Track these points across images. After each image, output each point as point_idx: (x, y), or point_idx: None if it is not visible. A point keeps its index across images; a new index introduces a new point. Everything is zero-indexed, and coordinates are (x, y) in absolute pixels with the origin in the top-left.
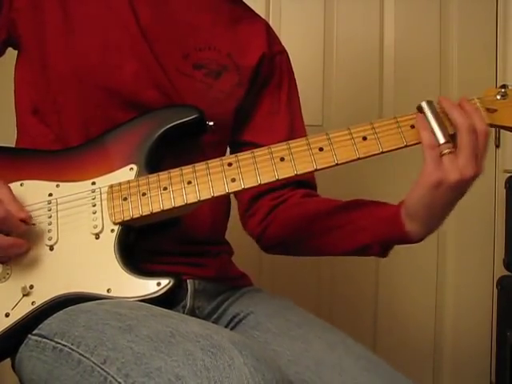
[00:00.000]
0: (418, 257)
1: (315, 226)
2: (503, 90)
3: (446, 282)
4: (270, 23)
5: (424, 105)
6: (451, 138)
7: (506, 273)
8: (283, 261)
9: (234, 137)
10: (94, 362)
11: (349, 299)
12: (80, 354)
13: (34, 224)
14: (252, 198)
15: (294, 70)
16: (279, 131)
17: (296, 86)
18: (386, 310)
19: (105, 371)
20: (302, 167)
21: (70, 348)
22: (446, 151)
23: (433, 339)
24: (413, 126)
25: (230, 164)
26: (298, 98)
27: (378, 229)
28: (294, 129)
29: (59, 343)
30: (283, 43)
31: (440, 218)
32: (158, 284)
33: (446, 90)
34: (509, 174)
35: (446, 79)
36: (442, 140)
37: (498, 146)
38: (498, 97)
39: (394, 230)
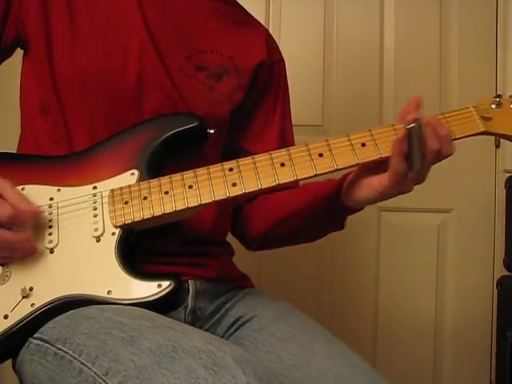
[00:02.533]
0: (418, 257)
1: (276, 219)
2: (497, 100)
3: (446, 282)
4: (270, 23)
5: (414, 131)
6: None
7: (506, 273)
8: (283, 262)
9: (231, 142)
10: (95, 373)
11: (349, 299)
12: (82, 363)
13: (43, 212)
14: (239, 204)
15: (294, 70)
16: (270, 142)
17: (289, 95)
18: (386, 310)
19: (106, 383)
20: (302, 172)
21: (71, 356)
22: (411, 175)
23: (433, 339)
24: None
25: (230, 169)
26: (290, 107)
27: (326, 213)
28: (285, 141)
29: (61, 349)
30: (283, 44)
31: None
32: (159, 286)
33: (446, 91)
34: (509, 174)
35: (445, 79)
36: (417, 169)
37: (498, 146)
38: (493, 106)
39: (340, 211)
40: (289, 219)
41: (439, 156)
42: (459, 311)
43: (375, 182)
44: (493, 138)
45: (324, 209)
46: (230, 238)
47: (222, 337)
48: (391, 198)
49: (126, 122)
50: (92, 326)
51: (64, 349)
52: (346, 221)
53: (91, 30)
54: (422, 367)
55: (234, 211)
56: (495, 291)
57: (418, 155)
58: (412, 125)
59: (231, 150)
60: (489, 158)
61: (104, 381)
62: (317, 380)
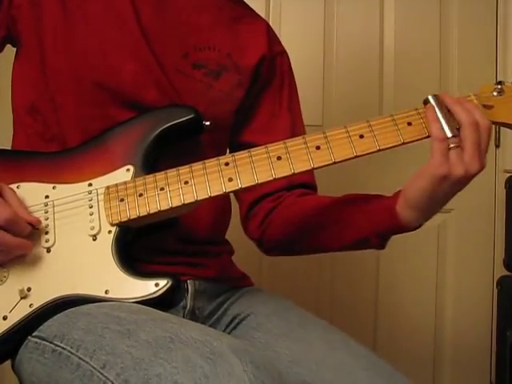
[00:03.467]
0: (418, 257)
1: (311, 224)
2: (499, 87)
3: (445, 282)
4: (270, 23)
5: (431, 98)
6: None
7: (506, 273)
8: (283, 261)
9: (234, 137)
10: (93, 367)
11: (349, 299)
12: (79, 358)
13: (37, 229)
14: (253, 201)
15: (294, 70)
16: (280, 133)
17: (296, 87)
18: (386, 310)
19: (104, 376)
20: (299, 166)
21: (69, 351)
22: (453, 145)
23: (433, 339)
24: (410, 124)
25: (226, 163)
26: (298, 99)
27: (372, 221)
28: (295, 131)
29: (59, 346)
30: (283, 43)
31: (438, 207)
32: (157, 285)
33: (446, 90)
34: (509, 174)
35: (445, 79)
36: (450, 134)
37: (497, 146)
38: (495, 93)
39: (389, 221)
40: (330, 224)
41: (478, 127)
42: (459, 311)
43: (424, 169)
44: (493, 137)
45: (374, 216)
46: (229, 237)
47: None
48: (446, 186)
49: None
50: (89, 322)
51: (62, 345)
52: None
53: (86, 27)
54: (422, 367)
55: (253, 211)
56: (495, 291)
57: (445, 120)
58: (429, 96)
59: (236, 146)
60: (489, 158)
61: (101, 374)
62: (316, 373)
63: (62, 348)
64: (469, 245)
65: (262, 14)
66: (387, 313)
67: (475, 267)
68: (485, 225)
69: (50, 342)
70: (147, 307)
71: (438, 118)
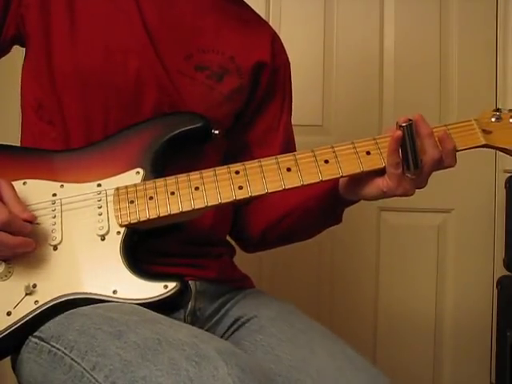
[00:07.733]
0: (418, 257)
1: (275, 219)
2: (498, 114)
3: (445, 282)
4: (270, 23)
5: (405, 129)
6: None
7: (506, 273)
8: (283, 262)
9: (235, 143)
10: (83, 368)
11: (349, 299)
12: (72, 359)
13: (38, 223)
14: None
15: (293, 70)
16: (275, 147)
17: (292, 100)
18: (386, 311)
19: (93, 378)
20: (308, 178)
21: (63, 352)
22: (409, 175)
23: (433, 339)
24: None
25: (237, 172)
26: (291, 112)
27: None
28: (289, 148)
29: (54, 347)
30: (283, 43)
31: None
32: (165, 287)
33: (446, 91)
34: (509, 174)
35: (445, 80)
36: (412, 169)
37: None
38: (493, 119)
39: (337, 204)
40: (285, 217)
41: (440, 165)
42: (459, 311)
43: (379, 182)
44: None
45: (321, 204)
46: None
47: (221, 337)
48: (392, 197)
49: (124, 121)
50: (84, 323)
51: (57, 346)
52: (342, 214)
53: (91, 27)
54: (422, 367)
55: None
56: (495, 291)
57: (411, 155)
58: (404, 124)
59: (236, 149)
60: (489, 158)
61: (91, 375)
62: (316, 380)
63: (57, 349)
64: (469, 245)
65: (262, 14)
66: (387, 313)
67: (475, 267)
68: (485, 225)
69: (47, 343)
70: (142, 308)
71: (401, 147)
